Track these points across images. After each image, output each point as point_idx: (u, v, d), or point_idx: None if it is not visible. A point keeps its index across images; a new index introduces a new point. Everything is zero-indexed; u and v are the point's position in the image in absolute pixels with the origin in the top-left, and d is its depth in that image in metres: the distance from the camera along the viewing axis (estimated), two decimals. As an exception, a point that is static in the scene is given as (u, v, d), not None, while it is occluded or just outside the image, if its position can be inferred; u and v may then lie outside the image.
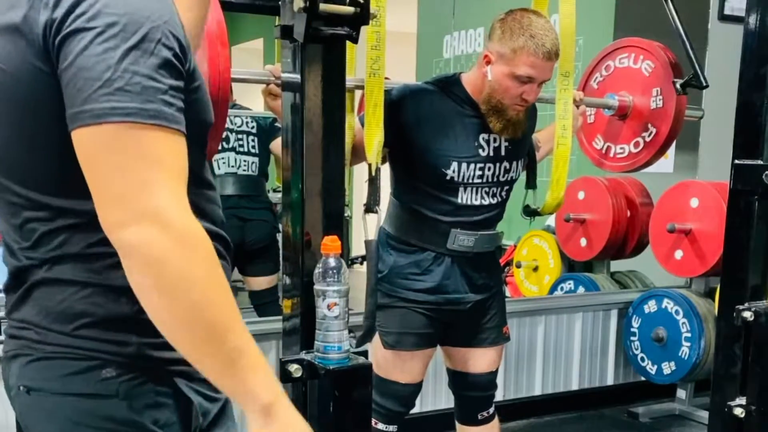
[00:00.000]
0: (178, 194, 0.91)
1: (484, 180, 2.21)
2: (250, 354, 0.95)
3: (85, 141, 0.89)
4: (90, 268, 0.99)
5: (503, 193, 2.28)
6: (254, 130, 3.60)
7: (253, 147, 3.60)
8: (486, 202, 2.23)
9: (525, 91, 2.09)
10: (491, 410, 2.40)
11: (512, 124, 2.15)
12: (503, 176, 2.24)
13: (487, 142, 2.19)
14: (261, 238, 3.61)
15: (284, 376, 1.50)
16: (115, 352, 1.00)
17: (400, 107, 2.13)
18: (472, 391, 2.38)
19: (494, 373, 2.40)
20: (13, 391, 1.06)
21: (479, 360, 2.36)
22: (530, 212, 2.47)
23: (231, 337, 0.94)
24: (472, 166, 2.17)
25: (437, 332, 2.30)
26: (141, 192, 0.88)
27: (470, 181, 2.18)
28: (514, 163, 2.26)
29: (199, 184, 1.05)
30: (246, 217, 3.51)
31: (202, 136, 1.07)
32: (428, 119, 2.14)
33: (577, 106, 2.46)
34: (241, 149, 3.55)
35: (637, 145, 2.67)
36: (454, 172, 2.16)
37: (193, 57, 1.00)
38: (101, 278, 0.99)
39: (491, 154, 2.19)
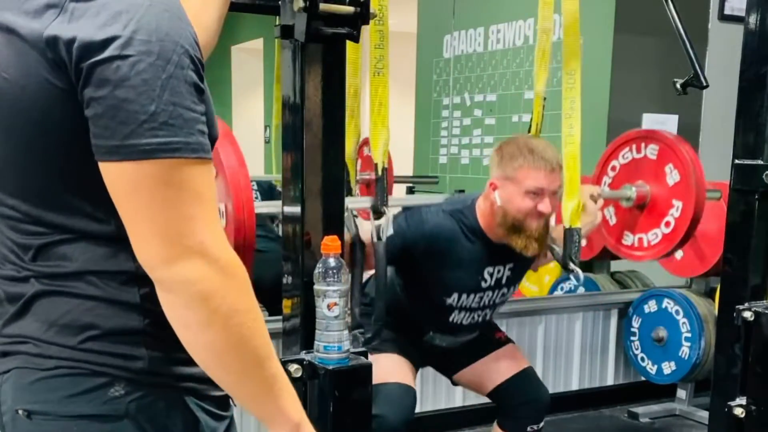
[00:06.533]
0: (218, 226, 0.92)
1: (480, 305, 2.28)
2: (283, 378, 1.01)
3: (128, 176, 0.88)
4: (94, 284, 0.96)
5: (492, 312, 2.36)
6: (255, 187, 3.69)
7: (257, 198, 3.67)
8: (474, 321, 2.32)
9: (538, 204, 2.12)
10: (541, 425, 2.38)
11: (535, 239, 2.15)
12: (498, 299, 2.32)
13: (491, 274, 2.25)
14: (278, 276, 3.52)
15: (284, 376, 1.50)
16: (123, 367, 0.96)
17: (417, 238, 2.17)
18: (515, 398, 2.36)
19: (522, 378, 2.38)
20: (7, 416, 0.99)
21: (495, 368, 2.38)
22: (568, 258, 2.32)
23: (269, 364, 0.98)
24: (472, 295, 2.25)
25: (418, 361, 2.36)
26: (187, 227, 0.89)
27: (466, 306, 2.26)
28: (512, 287, 2.33)
29: None
30: (258, 248, 3.47)
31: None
32: (440, 254, 2.19)
33: (595, 201, 2.42)
34: None
35: (668, 224, 2.59)
36: (453, 300, 2.23)
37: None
38: (106, 293, 0.96)
39: (492, 284, 2.26)
